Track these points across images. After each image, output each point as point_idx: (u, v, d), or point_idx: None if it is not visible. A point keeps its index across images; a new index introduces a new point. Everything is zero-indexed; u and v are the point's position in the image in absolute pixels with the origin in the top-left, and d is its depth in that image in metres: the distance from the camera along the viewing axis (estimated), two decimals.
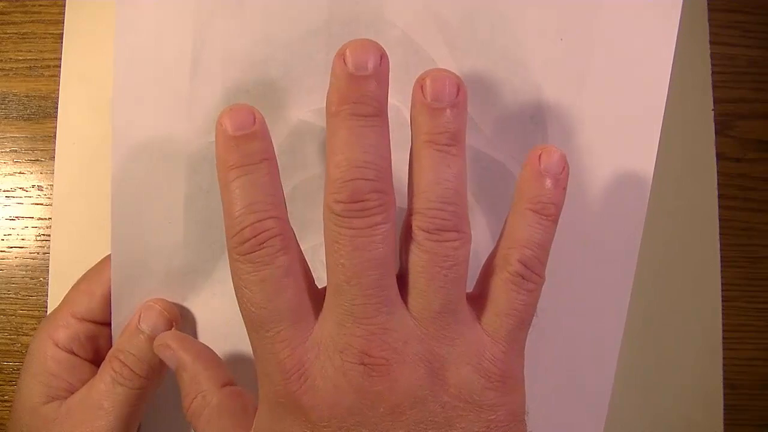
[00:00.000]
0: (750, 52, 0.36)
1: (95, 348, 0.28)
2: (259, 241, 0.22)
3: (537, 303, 0.24)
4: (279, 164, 0.24)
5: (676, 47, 0.26)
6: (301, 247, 0.24)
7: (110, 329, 0.28)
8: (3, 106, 0.34)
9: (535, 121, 0.27)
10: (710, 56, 0.35)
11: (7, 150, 0.34)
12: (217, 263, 0.28)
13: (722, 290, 0.35)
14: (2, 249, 0.34)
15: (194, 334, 0.29)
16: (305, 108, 0.26)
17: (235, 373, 0.28)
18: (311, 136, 0.27)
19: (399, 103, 0.26)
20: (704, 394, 0.35)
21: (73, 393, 0.27)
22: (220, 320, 0.28)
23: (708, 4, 0.35)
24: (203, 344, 0.27)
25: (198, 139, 0.26)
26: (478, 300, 0.24)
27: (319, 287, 0.24)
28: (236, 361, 0.28)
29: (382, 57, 0.22)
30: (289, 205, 0.27)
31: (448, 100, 0.22)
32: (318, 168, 0.27)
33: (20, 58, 0.35)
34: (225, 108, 0.22)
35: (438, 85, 0.22)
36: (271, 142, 0.23)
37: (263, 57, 0.26)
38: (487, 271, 0.24)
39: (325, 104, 0.24)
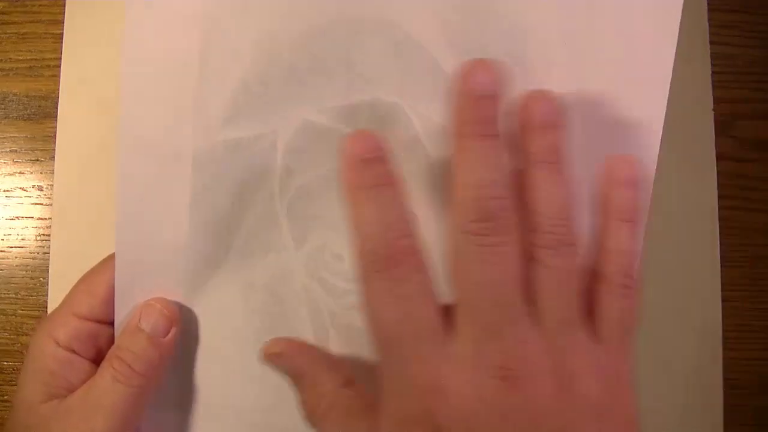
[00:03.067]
0: (751, 52, 0.36)
1: (96, 347, 0.28)
2: (396, 259, 0.22)
3: (640, 306, 0.24)
4: (284, 164, 0.25)
5: (677, 44, 0.26)
6: (308, 245, 0.24)
7: (112, 328, 0.28)
8: (3, 106, 0.35)
9: None
10: (710, 56, 0.35)
11: (7, 150, 0.34)
12: (221, 263, 0.28)
13: (722, 290, 0.35)
14: (2, 249, 0.34)
15: (197, 334, 0.29)
16: (311, 107, 0.26)
17: (235, 374, 0.28)
18: (317, 135, 0.27)
19: (401, 101, 0.26)
20: (704, 394, 0.35)
21: (72, 392, 0.27)
22: (224, 321, 0.28)
23: (708, 4, 0.35)
24: (314, 345, 0.27)
25: (205, 138, 0.26)
26: (586, 312, 0.24)
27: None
28: (238, 362, 0.28)
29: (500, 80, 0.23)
30: (295, 203, 0.27)
31: (554, 121, 0.24)
32: (323, 167, 0.27)
33: (20, 58, 0.35)
34: (348, 134, 0.23)
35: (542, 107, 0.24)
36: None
37: (269, 56, 0.26)
38: (590, 284, 0.24)
39: (330, 105, 0.26)
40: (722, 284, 0.35)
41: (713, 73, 0.35)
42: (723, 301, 0.35)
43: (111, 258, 0.28)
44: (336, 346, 0.28)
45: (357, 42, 0.26)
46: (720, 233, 0.35)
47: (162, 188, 0.27)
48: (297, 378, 0.26)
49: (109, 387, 0.26)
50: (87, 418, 0.26)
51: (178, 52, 0.26)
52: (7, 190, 0.34)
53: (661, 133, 0.27)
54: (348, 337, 0.28)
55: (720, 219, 0.35)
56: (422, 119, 0.27)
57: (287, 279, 0.28)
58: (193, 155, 0.27)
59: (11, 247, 0.34)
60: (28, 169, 0.34)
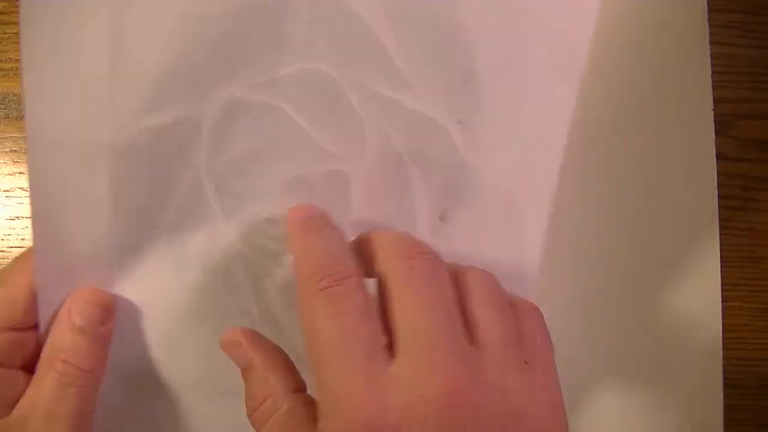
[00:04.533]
0: (751, 52, 0.36)
1: (23, 355, 0.27)
2: (337, 278, 0.23)
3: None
4: (210, 142, 0.27)
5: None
6: (239, 216, 0.27)
7: (35, 332, 0.27)
8: (3, 106, 0.35)
9: (468, 81, 0.27)
10: (710, 56, 0.35)
11: (7, 150, 0.34)
12: (150, 247, 0.27)
13: (722, 290, 0.35)
14: (2, 249, 0.34)
15: (130, 316, 0.28)
16: (238, 84, 0.26)
17: (179, 350, 0.28)
18: (244, 110, 0.26)
19: (334, 72, 0.26)
20: (704, 394, 0.35)
21: (12, 407, 0.25)
22: (153, 298, 0.28)
23: (708, 4, 0.35)
24: (275, 344, 0.27)
25: (123, 128, 0.26)
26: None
27: None
28: (180, 338, 0.28)
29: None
30: (223, 178, 0.27)
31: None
32: (251, 142, 0.27)
33: (20, 58, 0.35)
34: (292, 207, 0.27)
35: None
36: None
37: (192, 35, 0.25)
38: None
39: (259, 79, 0.26)
40: (722, 284, 0.35)
41: (713, 73, 0.35)
42: (723, 301, 0.35)
43: (22, 262, 0.27)
44: (278, 306, 0.28)
45: (287, 13, 0.25)
46: (720, 233, 0.35)
47: (79, 181, 0.26)
48: (248, 371, 0.26)
49: (59, 393, 0.25)
50: (45, 429, 0.25)
51: (87, 40, 0.24)
52: (7, 190, 0.34)
53: (576, 88, 0.27)
54: (289, 295, 0.28)
55: (720, 219, 0.35)
56: (355, 87, 0.27)
57: (221, 250, 0.28)
58: (111, 147, 0.26)
59: (11, 247, 0.34)
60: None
